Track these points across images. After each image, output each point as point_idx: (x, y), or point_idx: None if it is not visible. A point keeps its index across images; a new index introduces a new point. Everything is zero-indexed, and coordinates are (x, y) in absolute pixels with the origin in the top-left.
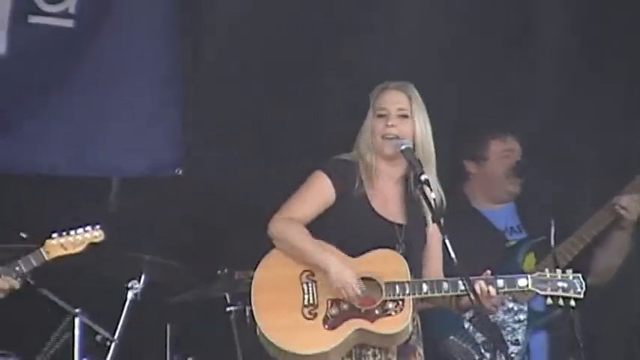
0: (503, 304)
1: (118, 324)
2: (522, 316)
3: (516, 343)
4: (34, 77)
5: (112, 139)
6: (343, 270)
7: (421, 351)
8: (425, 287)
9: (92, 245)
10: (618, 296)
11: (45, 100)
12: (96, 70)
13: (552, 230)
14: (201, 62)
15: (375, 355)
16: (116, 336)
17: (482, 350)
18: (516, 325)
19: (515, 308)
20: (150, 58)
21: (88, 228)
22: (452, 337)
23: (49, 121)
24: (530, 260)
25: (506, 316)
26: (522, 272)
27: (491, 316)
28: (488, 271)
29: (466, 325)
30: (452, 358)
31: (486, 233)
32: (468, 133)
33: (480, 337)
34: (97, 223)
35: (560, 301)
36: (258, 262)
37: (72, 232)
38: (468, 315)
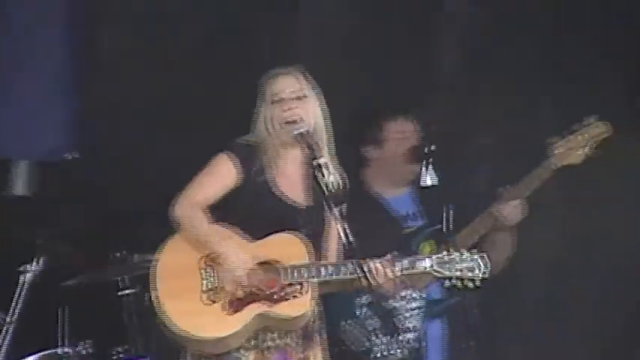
0: (399, 290)
1: (10, 308)
2: (417, 304)
3: (413, 330)
4: None
5: (5, 121)
6: (240, 258)
7: (325, 335)
8: (324, 270)
9: None
10: (516, 285)
11: None
12: None
13: (449, 216)
14: (99, 41)
15: (275, 340)
16: (10, 319)
17: (375, 337)
18: (411, 313)
19: (411, 295)
20: (45, 40)
21: None
22: (343, 323)
23: None
24: (426, 248)
25: (401, 303)
26: None
27: (385, 303)
28: (389, 255)
29: (358, 312)
30: (343, 345)
31: (383, 220)
32: (362, 118)
33: (372, 324)
34: None
35: (459, 283)
36: (158, 245)
37: None
38: (360, 301)
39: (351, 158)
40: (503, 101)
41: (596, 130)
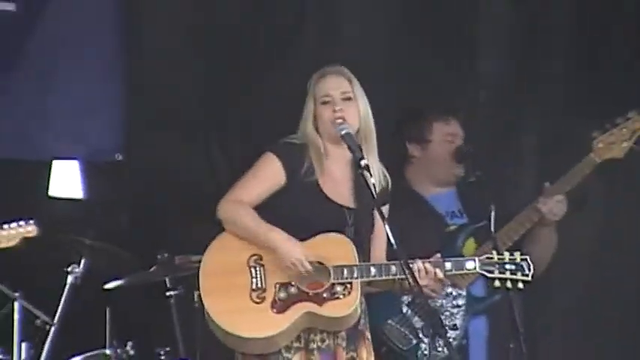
0: (443, 289)
1: (57, 308)
2: (461, 301)
3: (454, 327)
4: None
5: (52, 123)
6: (293, 247)
7: (369, 335)
8: (373, 270)
9: (26, 239)
10: (556, 283)
11: None
12: (38, 55)
13: (492, 216)
14: (145, 46)
15: (323, 341)
16: (56, 320)
17: (421, 335)
18: (454, 310)
19: (454, 293)
20: (93, 42)
21: (22, 222)
22: (390, 322)
23: None
24: (470, 245)
25: (444, 301)
26: (462, 257)
27: (430, 301)
28: (438, 254)
29: (404, 310)
30: (390, 342)
31: (427, 217)
32: (410, 116)
33: (417, 322)
34: (31, 218)
35: (508, 284)
36: (202, 246)
37: (5, 227)
38: (406, 299)
39: (393, 156)
40: (545, 98)
41: (637, 124)
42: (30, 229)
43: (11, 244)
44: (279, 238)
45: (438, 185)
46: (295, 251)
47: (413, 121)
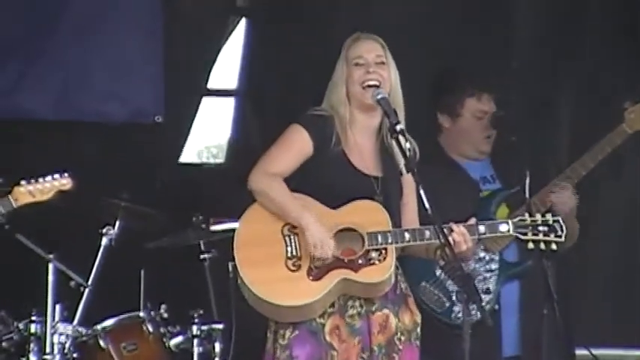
0: (475, 253)
1: (91, 270)
2: (494, 266)
3: (487, 292)
4: (18, 22)
5: (93, 85)
6: (320, 230)
7: (412, 299)
8: (407, 235)
9: (61, 193)
10: (591, 250)
11: (28, 45)
12: (80, 17)
13: (527, 181)
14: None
15: (362, 306)
16: (90, 282)
17: (454, 298)
18: (488, 275)
19: (487, 257)
20: (133, 5)
21: (57, 176)
22: (423, 284)
23: (31, 65)
24: (503, 211)
25: (477, 265)
26: None
27: (464, 266)
28: (473, 219)
29: (438, 273)
30: (424, 305)
31: (461, 183)
32: (444, 86)
33: (451, 285)
34: (66, 171)
35: (542, 246)
36: (236, 210)
37: (40, 180)
38: (440, 262)
39: (426, 123)
40: (579, 69)
41: None
42: (64, 182)
43: (46, 197)
44: (308, 219)
45: (464, 157)
46: (323, 235)
47: (445, 93)
